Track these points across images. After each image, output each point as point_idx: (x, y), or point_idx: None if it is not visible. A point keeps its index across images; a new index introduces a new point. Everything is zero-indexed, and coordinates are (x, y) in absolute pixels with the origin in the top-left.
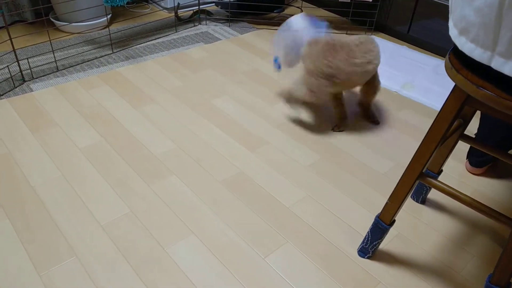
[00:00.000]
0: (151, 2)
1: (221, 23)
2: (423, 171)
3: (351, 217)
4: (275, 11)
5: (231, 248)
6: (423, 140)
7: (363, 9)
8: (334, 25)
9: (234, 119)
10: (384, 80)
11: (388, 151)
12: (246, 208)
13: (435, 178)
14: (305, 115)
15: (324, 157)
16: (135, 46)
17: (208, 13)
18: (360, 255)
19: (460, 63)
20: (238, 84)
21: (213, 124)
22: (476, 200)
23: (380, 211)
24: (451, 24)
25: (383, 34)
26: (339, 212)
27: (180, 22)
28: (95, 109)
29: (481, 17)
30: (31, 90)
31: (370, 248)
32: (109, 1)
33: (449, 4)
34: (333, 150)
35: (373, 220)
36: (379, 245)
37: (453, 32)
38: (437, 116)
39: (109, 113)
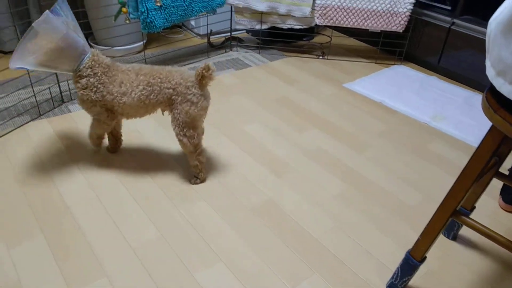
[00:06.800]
0: (184, 28)
1: (251, 50)
2: (457, 208)
3: (379, 250)
4: (304, 39)
5: (259, 278)
6: (458, 177)
7: (393, 39)
8: (363, 54)
9: (263, 145)
10: (413, 111)
11: (418, 184)
12: (274, 237)
13: (468, 215)
14: (328, 144)
15: (352, 187)
16: None
17: (239, 40)
18: None
19: (498, 103)
20: (268, 111)
21: (242, 150)
22: (511, 241)
23: (408, 245)
24: (488, 63)
25: (413, 64)
26: (368, 244)
27: (212, 48)
28: (128, 130)
29: None
30: (69, 111)
31: (399, 284)
32: (146, 28)
33: (486, 44)
34: (361, 180)
35: (402, 255)
36: (408, 281)
37: (490, 73)
38: (473, 155)
39: (141, 134)
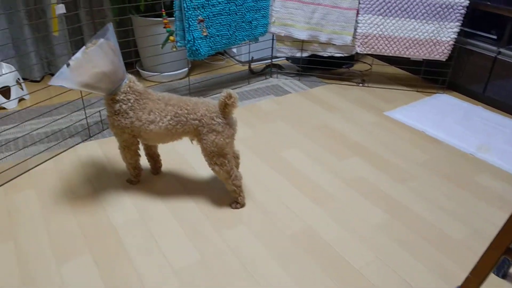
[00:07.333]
0: (227, 56)
1: (291, 76)
2: (510, 246)
3: (422, 284)
4: (344, 66)
5: None
6: (511, 215)
7: (435, 68)
8: (405, 82)
9: (302, 172)
10: (457, 141)
11: (463, 217)
12: (313, 265)
13: None
14: (367, 172)
15: (394, 218)
16: (210, 96)
17: (279, 67)
18: None
19: None
20: (307, 137)
21: (281, 176)
22: None
23: (453, 280)
24: None
25: (456, 93)
26: (410, 278)
27: (252, 74)
28: (170, 154)
29: None
30: None
31: None
32: (192, 55)
33: None
34: (403, 211)
35: None
36: None
37: None
38: None
39: (181, 154)
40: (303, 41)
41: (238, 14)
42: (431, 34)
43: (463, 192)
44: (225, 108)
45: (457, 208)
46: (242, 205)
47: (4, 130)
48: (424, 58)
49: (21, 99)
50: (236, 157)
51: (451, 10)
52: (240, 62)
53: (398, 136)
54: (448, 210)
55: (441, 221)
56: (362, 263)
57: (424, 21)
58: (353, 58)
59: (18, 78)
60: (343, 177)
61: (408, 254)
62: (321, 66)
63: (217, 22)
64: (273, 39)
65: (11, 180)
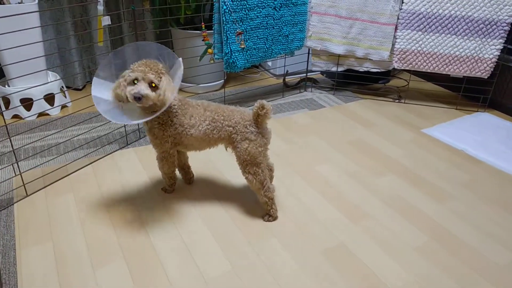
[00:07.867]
0: (261, 69)
1: (326, 91)
2: None
3: None
4: (380, 82)
5: None
6: None
7: (477, 85)
8: (443, 100)
9: (336, 187)
10: (501, 162)
11: (507, 242)
12: (347, 284)
13: None
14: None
15: (433, 240)
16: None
17: (314, 81)
18: None
19: None
20: (342, 152)
21: (315, 190)
22: None
23: None
24: None
25: (498, 112)
26: None
27: (287, 88)
28: (205, 166)
29: None
30: None
31: None
32: (228, 68)
33: None
34: (444, 233)
35: None
36: None
37: None
38: None
39: (217, 169)
40: (339, 56)
41: (275, 28)
42: (473, 51)
43: (509, 216)
44: (258, 118)
45: (502, 233)
46: (274, 218)
47: (47, 135)
48: (465, 75)
49: (63, 106)
50: (270, 170)
51: (494, 27)
52: (275, 75)
53: (436, 154)
54: (492, 234)
55: (484, 245)
56: (398, 284)
57: (465, 37)
58: (389, 74)
59: (62, 86)
60: (379, 194)
61: (447, 278)
62: (357, 81)
63: (254, 35)
64: (308, 53)
65: (52, 183)
